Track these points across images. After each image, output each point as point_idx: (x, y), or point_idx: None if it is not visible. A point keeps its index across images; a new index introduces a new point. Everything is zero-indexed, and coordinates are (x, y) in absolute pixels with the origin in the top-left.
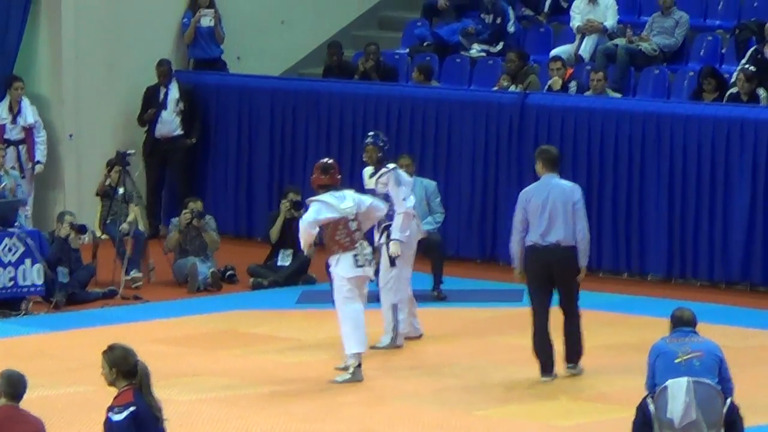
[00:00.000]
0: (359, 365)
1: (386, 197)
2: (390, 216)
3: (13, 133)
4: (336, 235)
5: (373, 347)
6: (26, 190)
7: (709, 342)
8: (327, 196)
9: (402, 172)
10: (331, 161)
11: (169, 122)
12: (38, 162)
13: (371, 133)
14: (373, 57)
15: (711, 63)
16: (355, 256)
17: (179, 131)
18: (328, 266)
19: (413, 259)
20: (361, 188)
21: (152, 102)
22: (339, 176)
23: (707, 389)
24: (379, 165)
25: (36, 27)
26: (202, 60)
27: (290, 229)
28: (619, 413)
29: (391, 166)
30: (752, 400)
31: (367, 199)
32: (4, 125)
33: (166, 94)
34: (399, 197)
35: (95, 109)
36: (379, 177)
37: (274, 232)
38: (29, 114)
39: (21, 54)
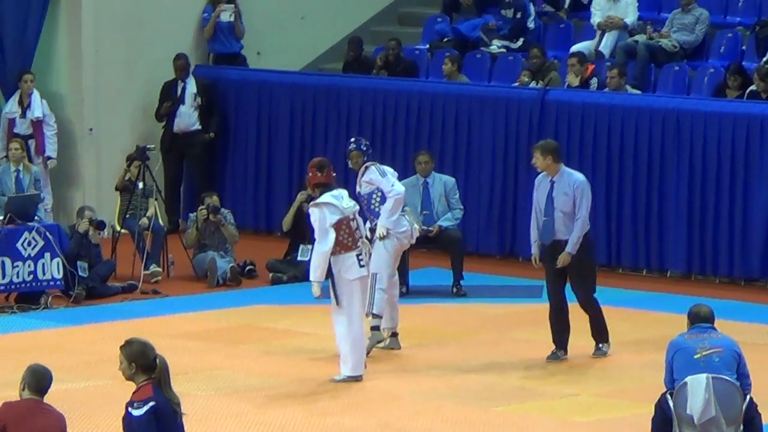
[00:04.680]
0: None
1: (369, 198)
2: (377, 213)
3: (23, 128)
4: (339, 236)
5: None
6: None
7: (727, 338)
8: (327, 197)
9: (384, 166)
10: (325, 159)
11: (187, 117)
12: (50, 158)
13: (353, 139)
14: (393, 52)
15: (731, 60)
16: (358, 256)
17: (197, 126)
18: (330, 268)
19: (393, 257)
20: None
21: (169, 97)
22: (334, 174)
23: (726, 385)
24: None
25: (55, 22)
26: (222, 55)
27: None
28: (638, 410)
29: (368, 163)
30: None
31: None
32: (14, 119)
33: (184, 88)
34: (387, 185)
35: (115, 104)
36: (362, 177)
37: (287, 221)
38: (38, 108)
39: (40, 49)
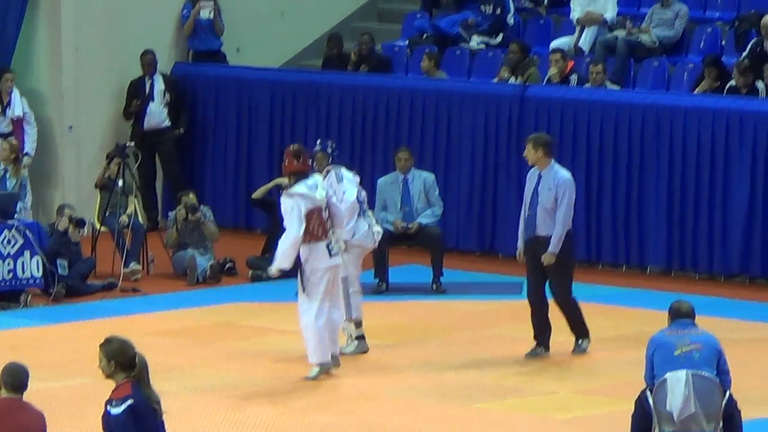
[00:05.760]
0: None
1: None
2: None
3: (2, 126)
4: (309, 225)
5: (341, 353)
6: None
7: (707, 334)
8: (300, 187)
9: (344, 170)
10: (302, 146)
11: (157, 114)
12: (26, 154)
13: (319, 140)
14: (366, 47)
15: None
16: (328, 245)
17: (167, 123)
18: (298, 257)
19: (359, 260)
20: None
21: (138, 94)
22: (310, 161)
23: (706, 382)
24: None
25: (35, 19)
26: (201, 52)
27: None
28: (618, 406)
29: (330, 167)
30: (750, 393)
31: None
32: None
33: (152, 85)
34: (339, 192)
35: (94, 102)
36: (324, 181)
37: (259, 192)
38: (18, 106)
39: (20, 46)
